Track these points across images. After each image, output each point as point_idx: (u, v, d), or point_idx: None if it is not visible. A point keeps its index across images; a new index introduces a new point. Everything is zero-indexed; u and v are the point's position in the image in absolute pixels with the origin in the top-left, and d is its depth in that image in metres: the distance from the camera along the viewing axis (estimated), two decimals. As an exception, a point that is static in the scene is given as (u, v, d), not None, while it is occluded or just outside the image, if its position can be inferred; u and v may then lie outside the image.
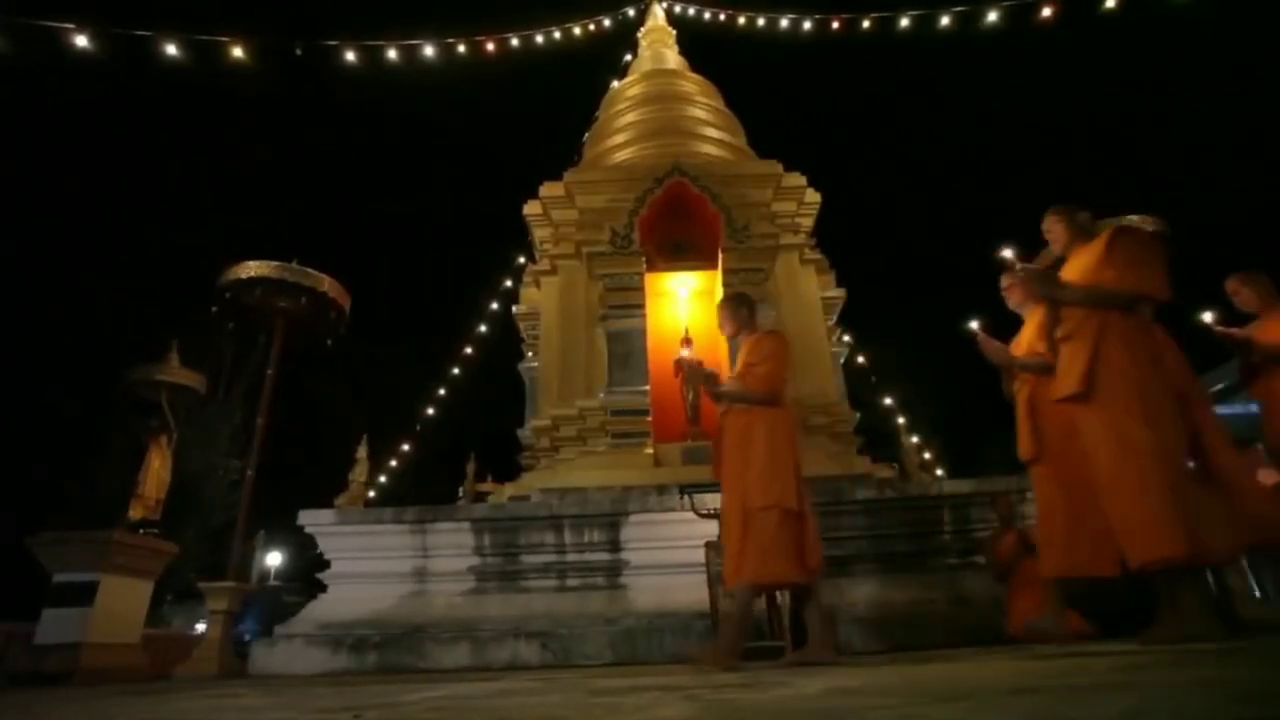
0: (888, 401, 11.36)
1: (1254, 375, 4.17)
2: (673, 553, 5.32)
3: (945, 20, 7.95)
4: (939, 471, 11.14)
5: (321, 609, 5.28)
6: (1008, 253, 3.82)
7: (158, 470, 7.83)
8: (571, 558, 5.43)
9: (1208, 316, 4.29)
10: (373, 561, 5.39)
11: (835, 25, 9.38)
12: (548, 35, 10.12)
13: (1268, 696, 0.96)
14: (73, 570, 6.35)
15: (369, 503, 8.84)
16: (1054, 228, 3.59)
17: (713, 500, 5.13)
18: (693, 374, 3.79)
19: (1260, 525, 2.99)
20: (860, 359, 11.24)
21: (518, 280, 10.36)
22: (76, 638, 6.19)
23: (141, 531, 7.17)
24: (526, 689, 2.01)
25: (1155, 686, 1.09)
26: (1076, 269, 3.37)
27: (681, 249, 8.41)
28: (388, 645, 4.93)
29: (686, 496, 5.25)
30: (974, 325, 4.11)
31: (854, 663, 3.17)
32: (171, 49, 5.72)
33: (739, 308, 3.87)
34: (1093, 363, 3.03)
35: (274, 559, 18.38)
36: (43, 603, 6.40)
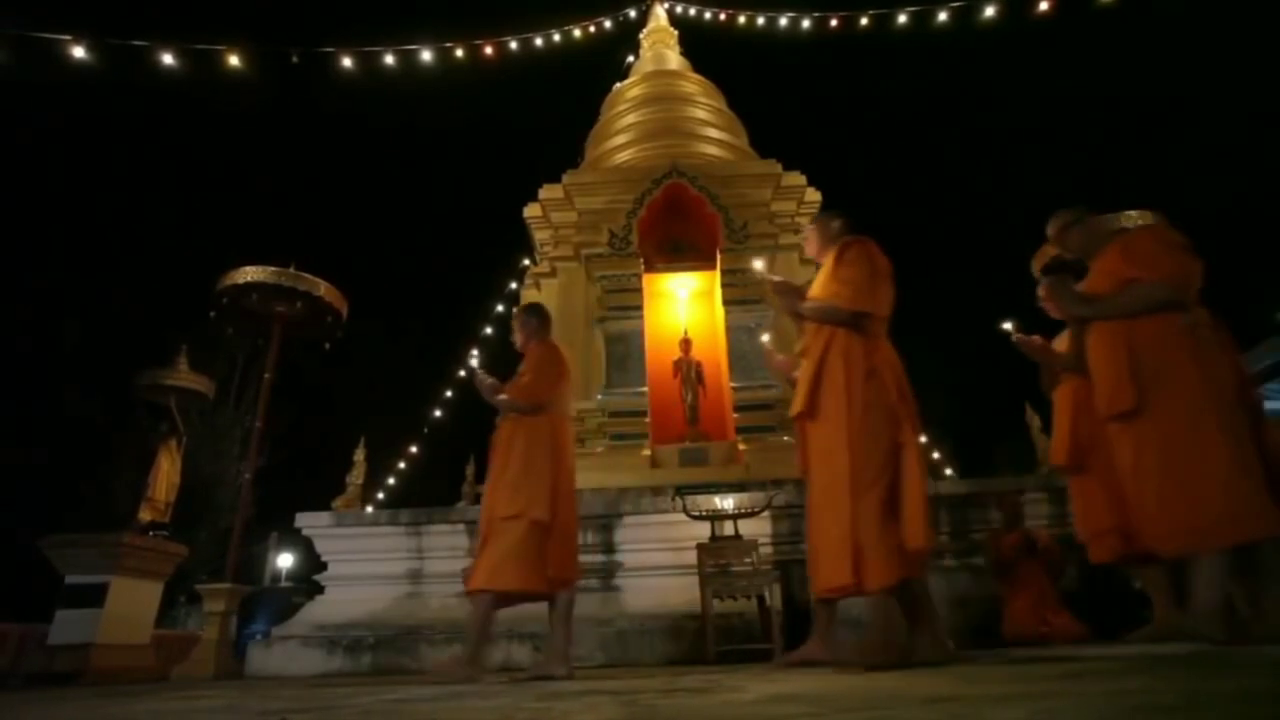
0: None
1: None
2: (666, 554, 5.32)
3: (943, 16, 7.87)
4: (948, 471, 11.02)
5: (318, 611, 5.34)
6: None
7: (167, 473, 7.96)
8: (565, 559, 5.43)
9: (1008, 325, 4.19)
10: (368, 563, 5.43)
11: (834, 23, 9.32)
12: (547, 38, 10.14)
13: (1164, 709, 0.93)
14: (84, 572, 6.49)
15: (377, 504, 8.93)
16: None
17: (705, 502, 5.13)
18: (479, 384, 3.80)
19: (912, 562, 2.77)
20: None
21: (521, 282, 10.40)
22: (87, 638, 6.32)
23: (151, 534, 7.30)
24: (482, 692, 2.02)
25: (1060, 697, 1.06)
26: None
27: (680, 250, 8.41)
28: (382, 646, 4.97)
29: (679, 498, 5.25)
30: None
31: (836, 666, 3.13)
32: (168, 58, 5.83)
33: (529, 318, 3.92)
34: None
35: (285, 560, 18.61)
36: (55, 604, 6.55)
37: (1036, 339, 4.15)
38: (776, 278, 3.15)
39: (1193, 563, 2.59)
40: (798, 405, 2.92)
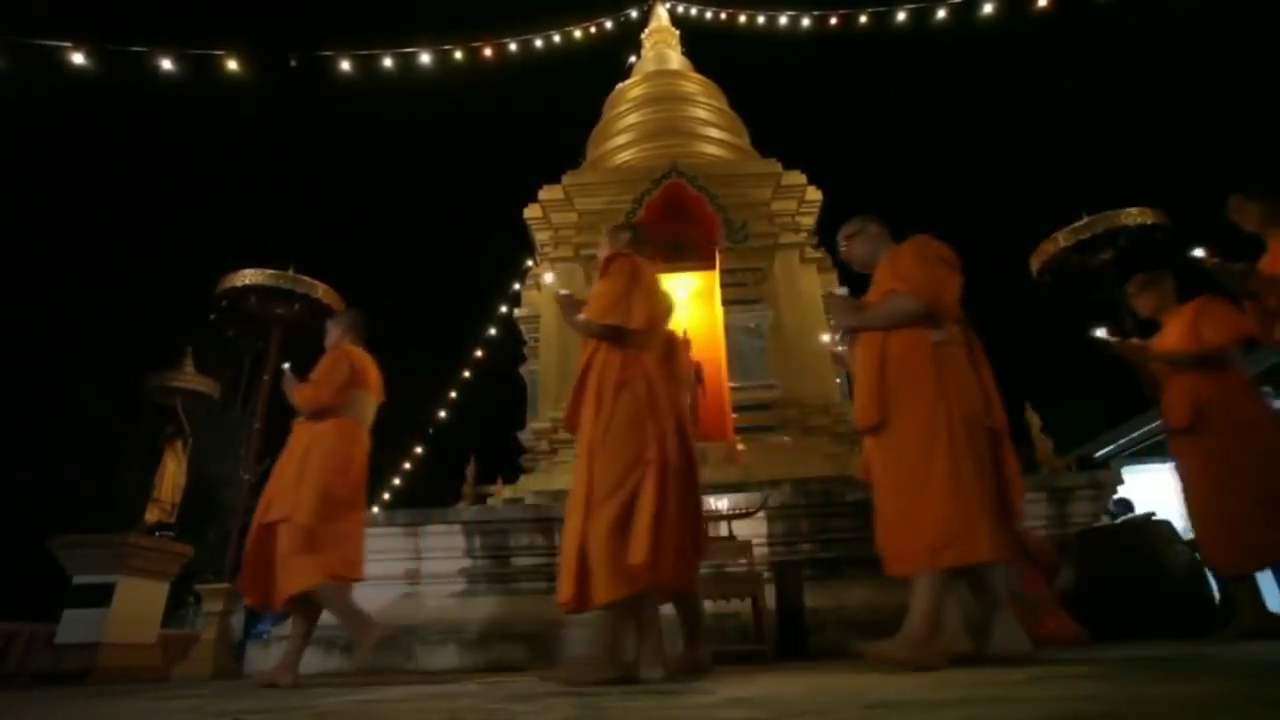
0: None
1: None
2: (661, 555, 5.30)
3: (942, 14, 7.82)
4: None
5: (315, 611, 5.37)
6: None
7: (173, 474, 8.07)
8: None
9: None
10: (366, 564, 5.46)
11: (833, 21, 9.28)
12: (548, 39, 10.16)
13: (1097, 715, 0.92)
14: (91, 572, 6.59)
15: (382, 505, 8.96)
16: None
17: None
18: (286, 386, 3.88)
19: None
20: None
21: (523, 283, 10.44)
22: (94, 638, 6.41)
23: (157, 534, 7.40)
24: (452, 693, 2.04)
25: (998, 703, 1.06)
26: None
27: (680, 250, 8.40)
28: (379, 648, 4.99)
29: (674, 499, 5.26)
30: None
31: (820, 668, 3.13)
32: (167, 64, 5.91)
33: (334, 327, 4.00)
34: None
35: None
36: (63, 603, 6.65)
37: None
38: (563, 291, 3.15)
39: (913, 585, 2.53)
40: (563, 416, 2.98)
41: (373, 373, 3.92)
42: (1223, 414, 3.71)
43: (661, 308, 3.04)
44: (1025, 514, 5.10)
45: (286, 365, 3.89)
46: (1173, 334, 3.99)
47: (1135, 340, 4.16)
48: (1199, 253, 3.60)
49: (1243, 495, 3.56)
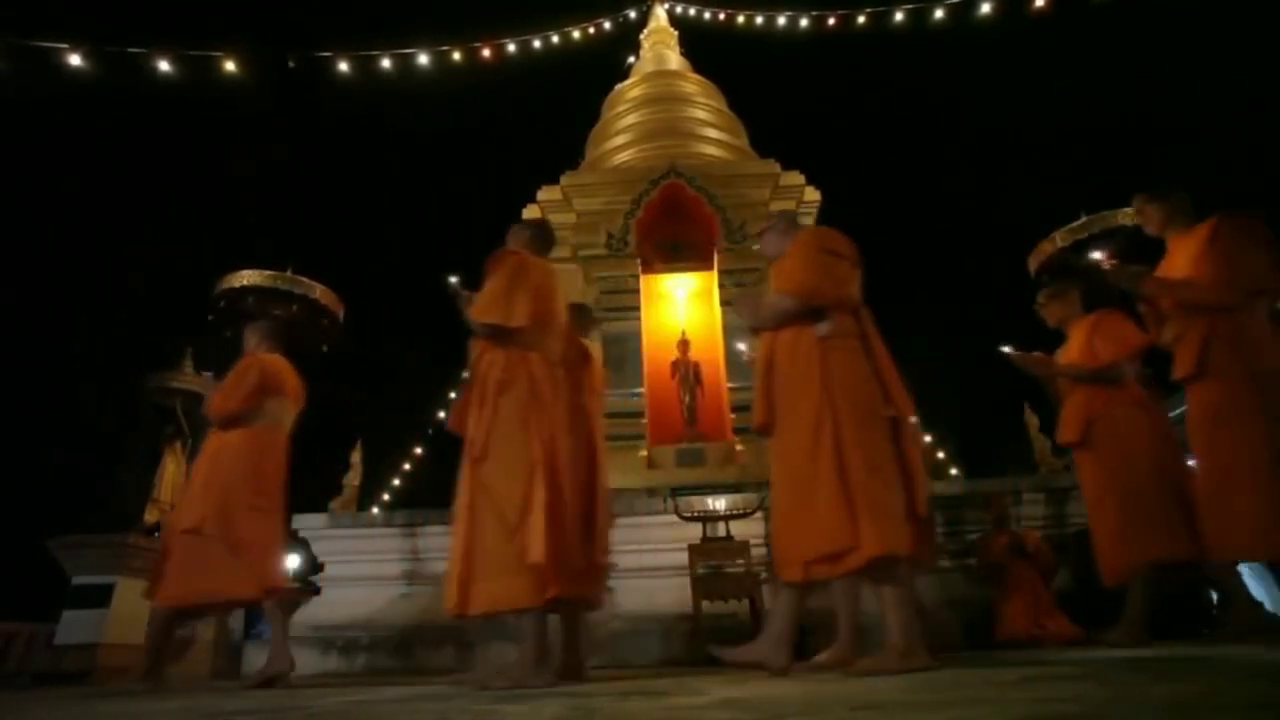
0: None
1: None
2: (659, 556, 5.31)
3: (940, 14, 7.83)
4: (953, 471, 10.95)
5: (314, 611, 5.39)
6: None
7: (173, 475, 8.08)
8: (559, 560, 5.46)
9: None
10: (364, 565, 5.48)
11: (831, 22, 9.29)
12: (546, 40, 10.17)
13: (1076, 717, 0.93)
14: (90, 573, 6.60)
15: (382, 505, 8.97)
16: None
17: (697, 503, 5.13)
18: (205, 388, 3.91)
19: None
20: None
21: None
22: (94, 638, 6.42)
23: (157, 535, 7.41)
24: (444, 694, 2.04)
25: (982, 704, 1.06)
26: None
27: (678, 250, 8.40)
28: (376, 647, 5.01)
29: (671, 499, 5.25)
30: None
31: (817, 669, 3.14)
32: (165, 65, 5.92)
33: (250, 334, 4.02)
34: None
35: (293, 561, 18.75)
36: (63, 604, 6.66)
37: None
38: (465, 292, 3.07)
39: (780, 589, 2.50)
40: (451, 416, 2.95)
41: (290, 380, 3.92)
42: (1111, 428, 3.75)
43: (549, 307, 2.99)
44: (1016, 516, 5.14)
45: (209, 374, 3.91)
46: (1073, 347, 4.03)
47: (1038, 354, 4.17)
48: (1096, 255, 3.62)
49: (1126, 507, 3.62)
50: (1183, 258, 3.26)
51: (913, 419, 2.89)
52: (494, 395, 2.71)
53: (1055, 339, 4.24)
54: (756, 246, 3.26)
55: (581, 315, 3.88)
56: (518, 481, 2.56)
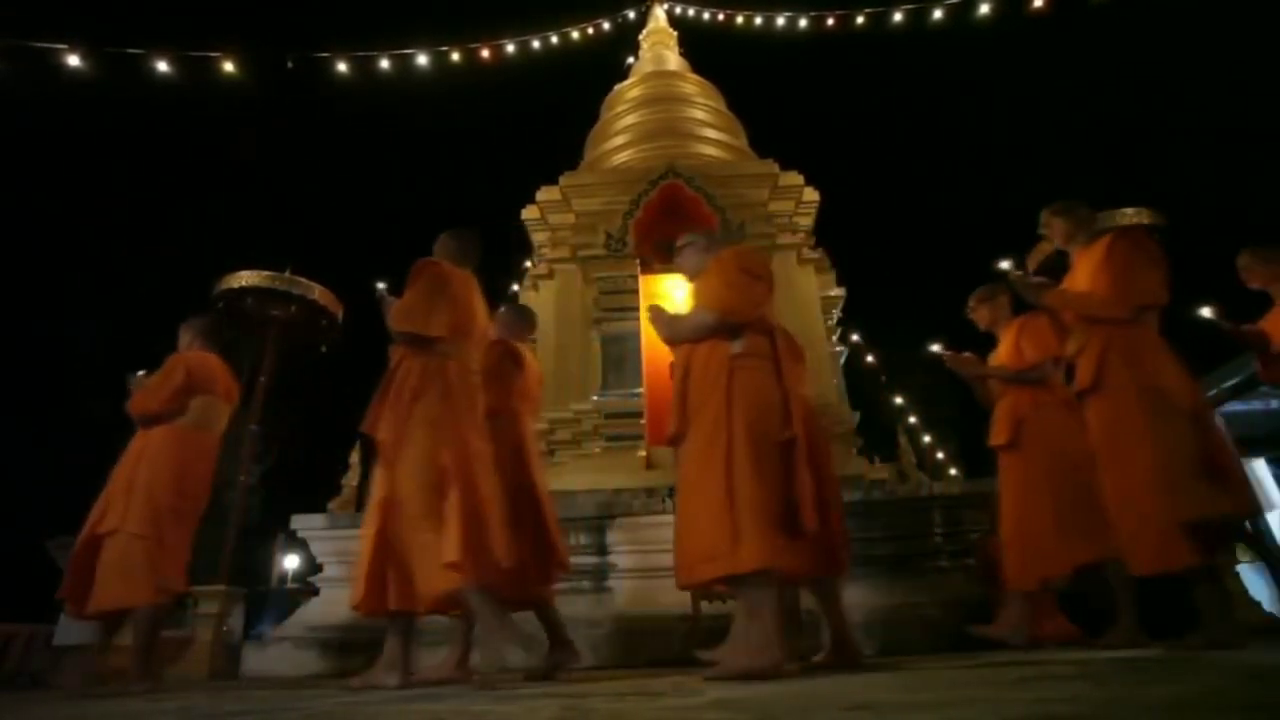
0: (898, 401, 11.19)
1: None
2: (658, 556, 5.30)
3: (938, 14, 7.83)
4: (952, 472, 10.95)
5: (311, 612, 5.38)
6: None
7: (171, 475, 8.06)
8: (557, 561, 5.45)
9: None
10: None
11: (830, 22, 9.29)
12: (545, 40, 10.17)
13: (1069, 718, 0.92)
14: (88, 573, 6.57)
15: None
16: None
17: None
18: (134, 385, 3.90)
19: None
20: (869, 358, 11.08)
21: (521, 284, 10.44)
22: (93, 639, 6.40)
23: (155, 535, 7.39)
24: (439, 694, 2.04)
25: (976, 705, 1.06)
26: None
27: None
28: (375, 648, 4.97)
29: (670, 499, 5.25)
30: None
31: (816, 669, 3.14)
32: (164, 65, 5.91)
33: (184, 332, 4.05)
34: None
35: (291, 561, 18.76)
36: (62, 605, 6.63)
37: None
38: (390, 298, 3.13)
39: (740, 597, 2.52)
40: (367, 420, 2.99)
41: (220, 379, 3.90)
42: (1039, 429, 3.81)
43: (468, 316, 3.03)
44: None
45: (141, 373, 3.88)
46: (1002, 350, 4.08)
47: (967, 355, 4.22)
48: (1005, 265, 3.68)
49: (1045, 511, 3.67)
50: (1084, 271, 3.30)
51: (856, 440, 2.99)
52: (408, 401, 2.77)
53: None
54: (675, 261, 3.30)
55: (519, 318, 3.96)
56: (427, 486, 2.62)
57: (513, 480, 3.34)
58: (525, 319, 4.05)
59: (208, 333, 4.04)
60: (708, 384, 2.65)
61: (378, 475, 2.80)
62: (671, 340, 2.94)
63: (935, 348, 4.07)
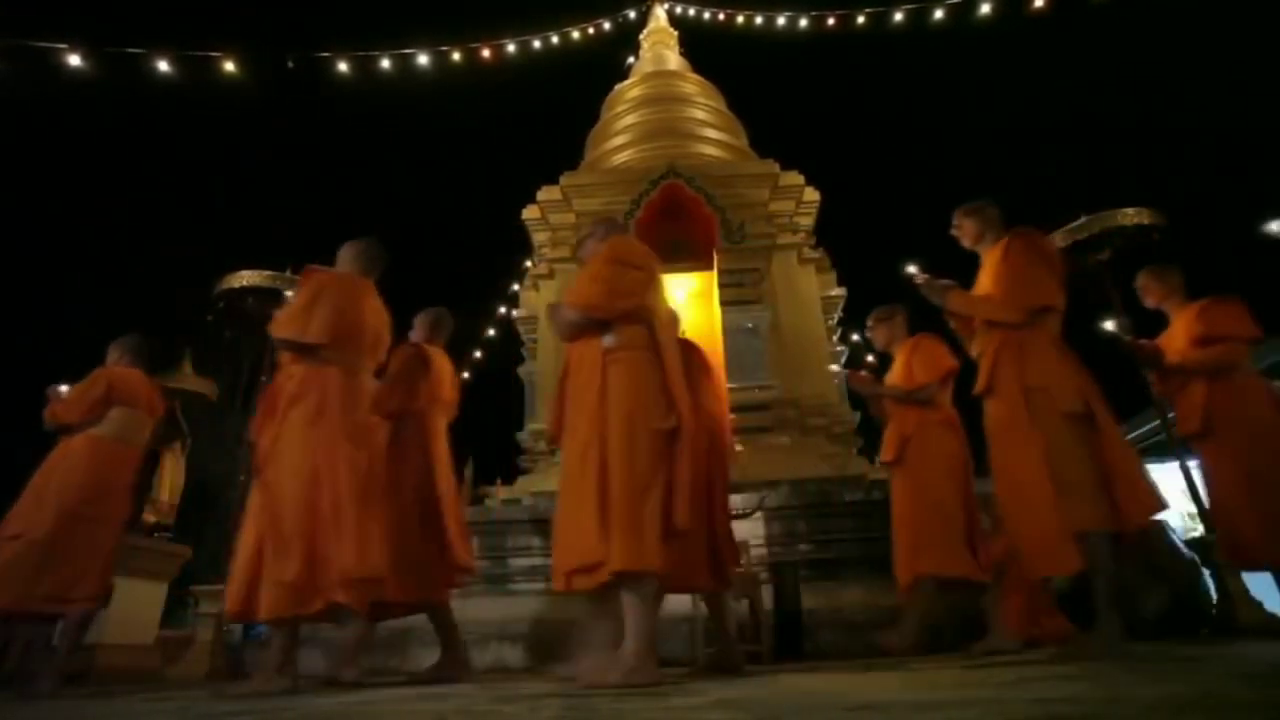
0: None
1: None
2: (658, 556, 5.31)
3: (939, 14, 7.83)
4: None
5: (312, 611, 5.37)
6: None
7: (171, 476, 8.06)
8: (557, 561, 5.47)
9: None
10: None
11: (831, 22, 9.29)
12: (546, 40, 10.17)
13: (1071, 717, 0.93)
14: (88, 573, 6.57)
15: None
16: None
17: (697, 503, 5.13)
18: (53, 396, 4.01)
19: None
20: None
21: (522, 284, 10.45)
22: (92, 639, 6.39)
23: (155, 535, 7.39)
24: (442, 694, 2.04)
25: (980, 705, 1.06)
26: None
27: (678, 251, 8.40)
28: (374, 648, 4.99)
29: (671, 499, 5.26)
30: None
31: (817, 669, 3.15)
32: (164, 65, 5.91)
33: (111, 350, 4.16)
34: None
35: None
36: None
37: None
38: (288, 294, 3.22)
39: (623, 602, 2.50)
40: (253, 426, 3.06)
41: (143, 394, 3.97)
42: (921, 447, 3.90)
43: (353, 322, 3.04)
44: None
45: (62, 387, 3.95)
46: (895, 369, 4.18)
47: (864, 374, 4.41)
48: (911, 269, 3.72)
49: (922, 524, 3.82)
50: (987, 274, 3.30)
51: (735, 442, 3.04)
52: (285, 408, 2.81)
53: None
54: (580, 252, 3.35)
55: (435, 321, 4.04)
56: (294, 492, 2.66)
57: (414, 483, 3.44)
58: (440, 322, 4.12)
59: (135, 351, 4.13)
60: (581, 383, 2.62)
61: (258, 480, 2.84)
62: (561, 338, 2.93)
63: (833, 367, 4.24)
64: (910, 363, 4.07)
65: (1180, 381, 4.03)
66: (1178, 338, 4.07)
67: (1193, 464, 4.37)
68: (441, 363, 3.90)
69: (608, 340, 2.61)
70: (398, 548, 3.05)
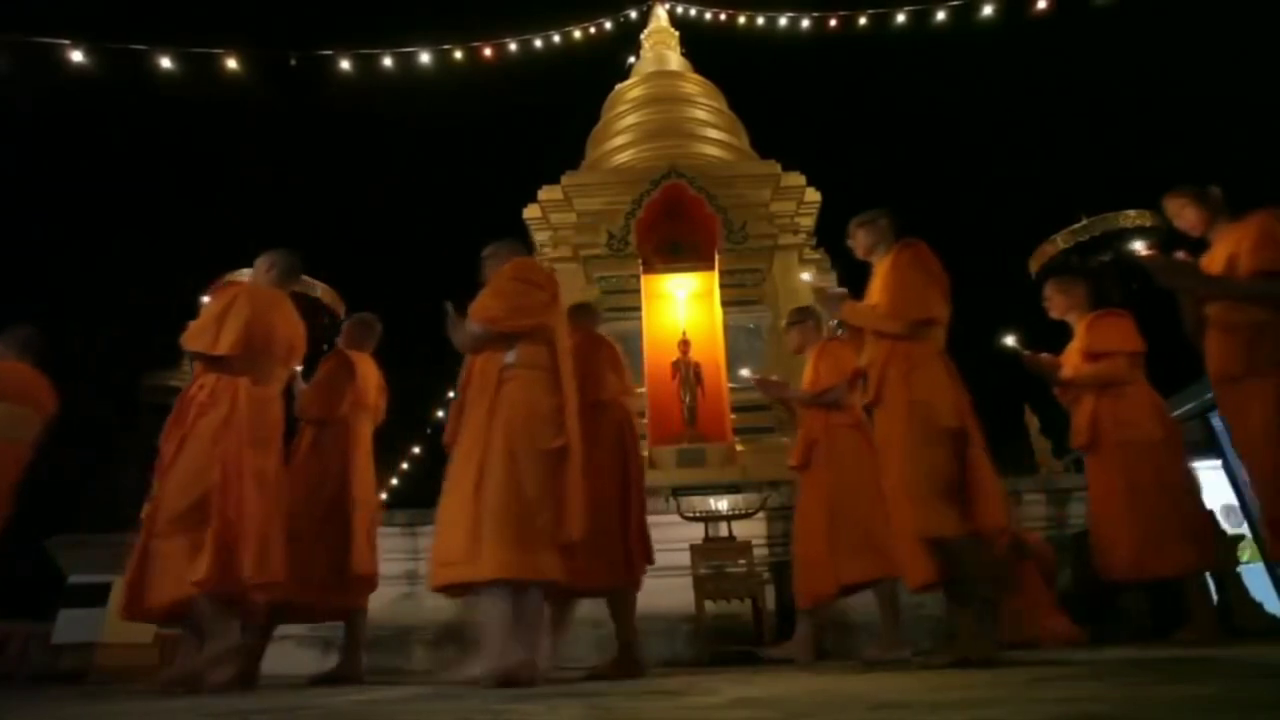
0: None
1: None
2: (661, 556, 5.28)
3: (941, 15, 7.85)
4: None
5: (314, 611, 5.36)
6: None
7: (171, 474, 8.04)
8: (560, 560, 5.46)
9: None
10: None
11: (833, 23, 9.30)
12: (547, 39, 10.17)
13: (1096, 717, 0.93)
14: (88, 571, 6.56)
15: (382, 505, 8.92)
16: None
17: (700, 503, 5.13)
18: None
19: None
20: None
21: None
22: (91, 637, 6.38)
23: (154, 534, 7.38)
24: (458, 693, 2.04)
25: (1003, 704, 1.06)
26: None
27: (679, 251, 8.41)
28: (376, 647, 4.99)
29: (674, 499, 5.25)
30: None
31: (819, 669, 3.15)
32: (166, 62, 5.90)
33: (3, 342, 4.06)
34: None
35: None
36: (60, 603, 6.62)
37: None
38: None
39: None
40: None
41: (33, 391, 3.89)
42: (828, 451, 3.90)
43: (264, 334, 3.08)
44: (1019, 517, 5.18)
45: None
46: (806, 373, 4.19)
47: (775, 378, 4.40)
48: (805, 277, 3.71)
49: (820, 532, 3.78)
50: (877, 284, 3.29)
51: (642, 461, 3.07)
52: (194, 417, 2.88)
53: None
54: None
55: (361, 328, 4.11)
56: (186, 500, 2.73)
57: (331, 489, 3.50)
58: (366, 329, 4.16)
59: (25, 343, 4.00)
60: (474, 396, 2.69)
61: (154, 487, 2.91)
62: (462, 351, 2.96)
63: (744, 372, 4.19)
64: (818, 366, 4.06)
65: (1074, 395, 4.06)
66: (1076, 351, 4.10)
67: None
68: (368, 369, 3.96)
69: (509, 357, 2.69)
70: (302, 553, 3.16)
